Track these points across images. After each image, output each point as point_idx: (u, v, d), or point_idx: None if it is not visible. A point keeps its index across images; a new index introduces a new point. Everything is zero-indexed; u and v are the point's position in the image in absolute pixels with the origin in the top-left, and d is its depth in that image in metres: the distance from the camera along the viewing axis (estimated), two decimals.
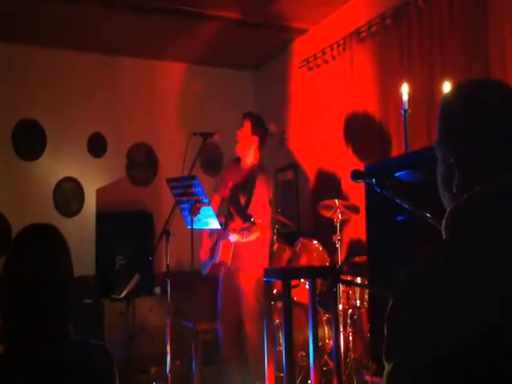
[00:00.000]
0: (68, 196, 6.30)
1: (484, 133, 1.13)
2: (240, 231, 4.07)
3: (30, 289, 1.66)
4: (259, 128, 4.53)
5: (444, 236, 1.14)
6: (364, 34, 5.10)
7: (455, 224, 1.11)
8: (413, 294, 1.03)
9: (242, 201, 4.38)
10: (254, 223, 3.95)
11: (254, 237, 4.17)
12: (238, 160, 4.63)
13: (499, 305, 0.97)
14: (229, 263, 4.30)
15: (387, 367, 1.03)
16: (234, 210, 4.35)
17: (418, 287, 1.03)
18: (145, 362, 5.37)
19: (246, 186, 4.41)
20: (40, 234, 1.77)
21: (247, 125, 4.50)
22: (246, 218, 4.02)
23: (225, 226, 4.30)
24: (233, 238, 4.18)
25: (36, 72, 6.18)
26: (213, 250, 4.44)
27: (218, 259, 4.32)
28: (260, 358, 3.65)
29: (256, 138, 4.50)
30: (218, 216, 4.24)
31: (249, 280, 4.31)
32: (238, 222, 4.22)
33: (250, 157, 4.52)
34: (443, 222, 1.14)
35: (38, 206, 6.03)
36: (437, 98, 4.06)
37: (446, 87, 3.36)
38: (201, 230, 4.41)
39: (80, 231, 6.09)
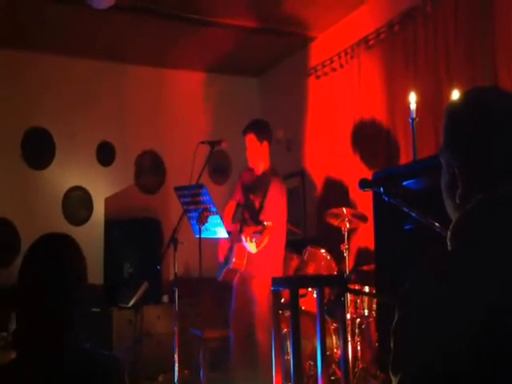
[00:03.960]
0: (76, 204, 6.31)
1: (489, 142, 1.13)
2: (252, 235, 4.03)
3: (44, 299, 1.67)
4: (264, 133, 4.49)
5: (449, 247, 1.13)
6: (372, 41, 5.11)
7: (460, 235, 1.11)
8: (418, 306, 1.02)
9: (256, 204, 4.36)
10: (265, 226, 3.94)
11: (265, 242, 4.14)
12: (250, 168, 4.62)
13: (507, 315, 0.96)
14: (243, 270, 4.29)
15: (394, 381, 1.03)
16: (247, 214, 4.32)
17: (424, 299, 1.02)
18: (153, 369, 5.36)
19: (259, 189, 4.39)
20: (57, 243, 1.77)
21: (251, 138, 4.45)
22: (258, 221, 4.01)
23: (240, 230, 4.29)
24: (247, 245, 4.14)
25: (45, 80, 6.21)
26: (227, 256, 4.43)
27: (231, 265, 4.30)
28: (271, 365, 3.64)
29: (266, 144, 4.48)
30: (233, 221, 4.23)
31: (262, 288, 4.29)
32: (251, 226, 4.19)
33: (262, 164, 4.51)
34: (448, 233, 1.14)
35: (46, 215, 6.05)
36: (444, 105, 4.04)
37: (455, 95, 3.35)
38: (209, 239, 4.40)
39: (88, 240, 6.08)
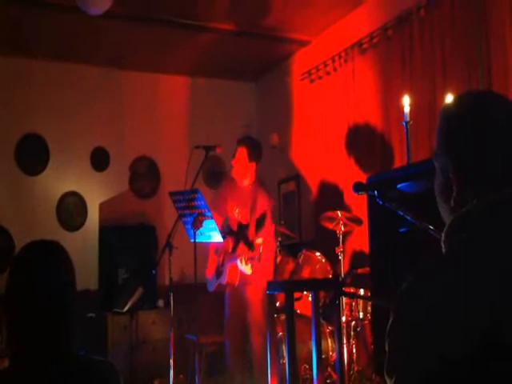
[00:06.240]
0: (71, 210, 6.30)
1: (483, 146, 1.13)
2: (248, 260, 4.06)
3: (34, 305, 1.66)
4: (255, 154, 4.48)
5: (444, 249, 1.13)
6: (366, 45, 5.12)
7: (454, 237, 1.11)
8: (413, 309, 1.03)
9: (246, 222, 4.38)
10: (261, 254, 3.98)
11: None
12: (233, 178, 4.62)
13: (502, 319, 0.96)
14: (236, 284, 4.30)
15: (389, 382, 1.03)
16: (242, 240, 4.31)
17: (418, 302, 1.03)
18: (148, 374, 5.35)
19: (247, 202, 4.41)
20: (44, 250, 1.76)
21: (243, 152, 4.44)
22: (252, 246, 4.03)
23: (233, 249, 4.31)
24: (242, 268, 4.16)
25: (39, 86, 6.20)
26: (219, 270, 4.44)
27: (225, 281, 4.32)
28: (266, 370, 3.64)
29: (254, 164, 4.48)
30: (224, 237, 4.24)
31: (256, 293, 4.30)
32: (243, 247, 4.21)
33: (246, 179, 4.50)
34: (442, 235, 1.14)
35: (41, 221, 6.03)
36: (438, 109, 4.07)
37: (449, 99, 3.36)
38: (204, 244, 4.41)
39: (83, 245, 6.09)
